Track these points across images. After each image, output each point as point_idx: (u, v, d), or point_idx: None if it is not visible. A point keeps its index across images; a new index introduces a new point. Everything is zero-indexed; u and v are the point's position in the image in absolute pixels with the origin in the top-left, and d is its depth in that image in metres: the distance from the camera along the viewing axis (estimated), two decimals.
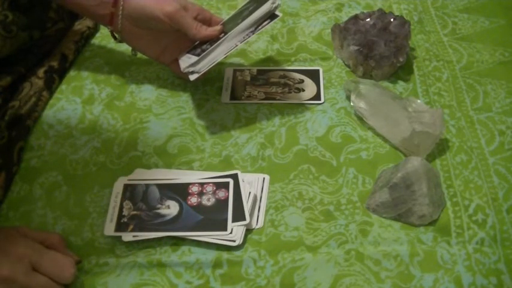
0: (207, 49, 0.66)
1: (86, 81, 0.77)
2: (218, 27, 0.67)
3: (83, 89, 0.75)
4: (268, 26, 0.66)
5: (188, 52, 0.70)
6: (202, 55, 0.66)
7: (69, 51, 0.79)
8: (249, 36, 0.65)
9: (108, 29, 0.70)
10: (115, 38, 0.71)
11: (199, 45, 0.69)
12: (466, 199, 0.60)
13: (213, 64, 0.66)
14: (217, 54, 0.66)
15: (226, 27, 0.68)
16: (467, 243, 0.56)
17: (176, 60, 0.71)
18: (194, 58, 0.67)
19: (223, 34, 0.67)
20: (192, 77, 0.66)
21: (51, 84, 0.75)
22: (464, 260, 0.55)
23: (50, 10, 0.79)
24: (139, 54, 0.74)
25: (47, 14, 0.78)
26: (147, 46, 0.71)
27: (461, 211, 0.59)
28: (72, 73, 0.78)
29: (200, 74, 0.66)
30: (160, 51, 0.71)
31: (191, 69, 0.67)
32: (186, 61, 0.68)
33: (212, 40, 0.67)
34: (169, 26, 0.66)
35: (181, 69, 0.68)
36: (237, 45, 0.65)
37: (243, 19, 0.66)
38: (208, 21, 0.69)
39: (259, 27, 0.65)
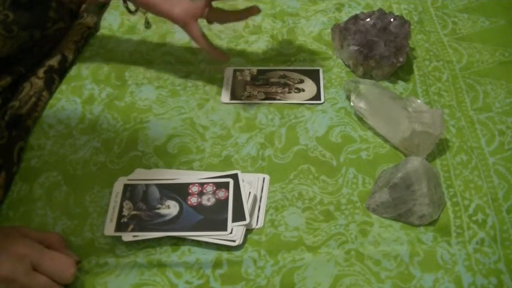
0: None
1: (86, 81, 0.77)
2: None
3: (83, 89, 0.75)
4: None
5: None
6: None
7: (69, 51, 0.79)
8: None
9: (121, 2, 0.72)
10: (130, 11, 0.73)
11: None
12: (466, 199, 0.60)
13: None
14: None
15: None
16: (467, 243, 0.56)
17: (192, 21, 0.69)
18: None
19: None
20: None
21: (51, 84, 0.75)
22: (464, 260, 0.55)
23: (50, 10, 0.79)
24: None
25: (47, 14, 0.78)
26: (161, 3, 0.69)
27: (461, 211, 0.59)
28: (72, 73, 0.78)
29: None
30: (172, 5, 0.69)
31: None
32: None
33: None
34: None
35: None
36: None
37: None
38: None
39: None
